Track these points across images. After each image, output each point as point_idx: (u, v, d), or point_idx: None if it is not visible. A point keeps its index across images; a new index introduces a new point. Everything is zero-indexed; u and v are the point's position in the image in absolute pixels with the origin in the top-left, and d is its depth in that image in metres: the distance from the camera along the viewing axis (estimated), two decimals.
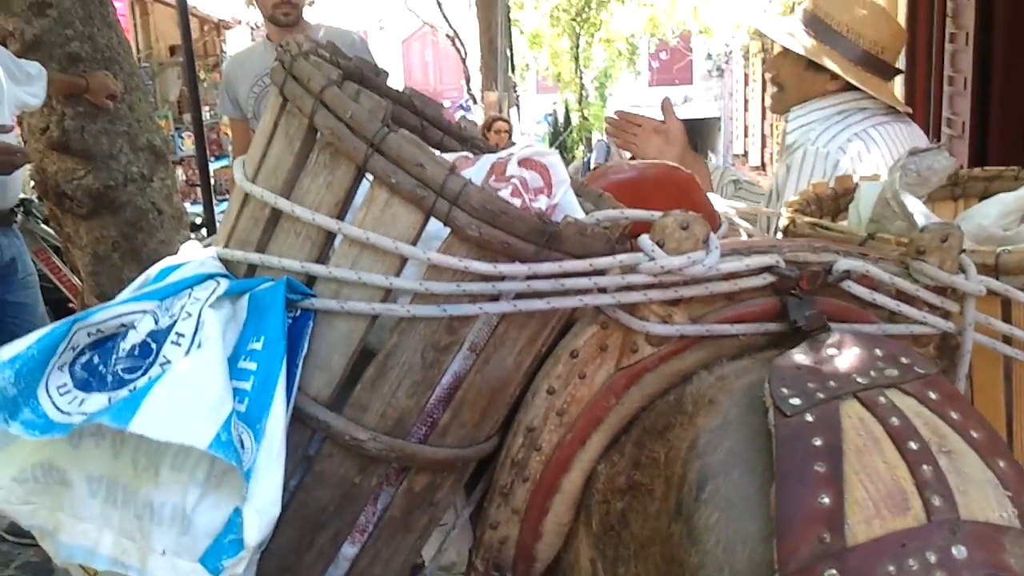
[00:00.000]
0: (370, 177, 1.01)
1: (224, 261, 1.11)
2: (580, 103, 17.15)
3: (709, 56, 18.77)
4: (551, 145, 16.43)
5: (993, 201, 1.40)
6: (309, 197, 1.04)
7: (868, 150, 1.93)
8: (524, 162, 1.19)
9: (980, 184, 1.60)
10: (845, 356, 1.00)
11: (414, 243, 1.00)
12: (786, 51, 2.07)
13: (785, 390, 0.94)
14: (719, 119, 21.05)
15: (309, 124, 1.04)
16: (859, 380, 0.95)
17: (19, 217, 3.41)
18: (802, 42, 2.00)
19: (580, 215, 1.22)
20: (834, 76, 1.99)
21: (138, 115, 3.93)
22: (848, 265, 1.07)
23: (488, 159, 1.23)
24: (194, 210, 6.54)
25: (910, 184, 1.30)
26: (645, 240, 1.04)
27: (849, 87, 2.00)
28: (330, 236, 1.04)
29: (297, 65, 1.05)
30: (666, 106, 2.22)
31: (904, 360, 0.99)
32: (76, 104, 3.68)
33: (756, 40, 14.57)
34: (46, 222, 4.15)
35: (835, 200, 1.53)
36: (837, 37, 1.97)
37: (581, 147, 17.11)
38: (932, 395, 0.94)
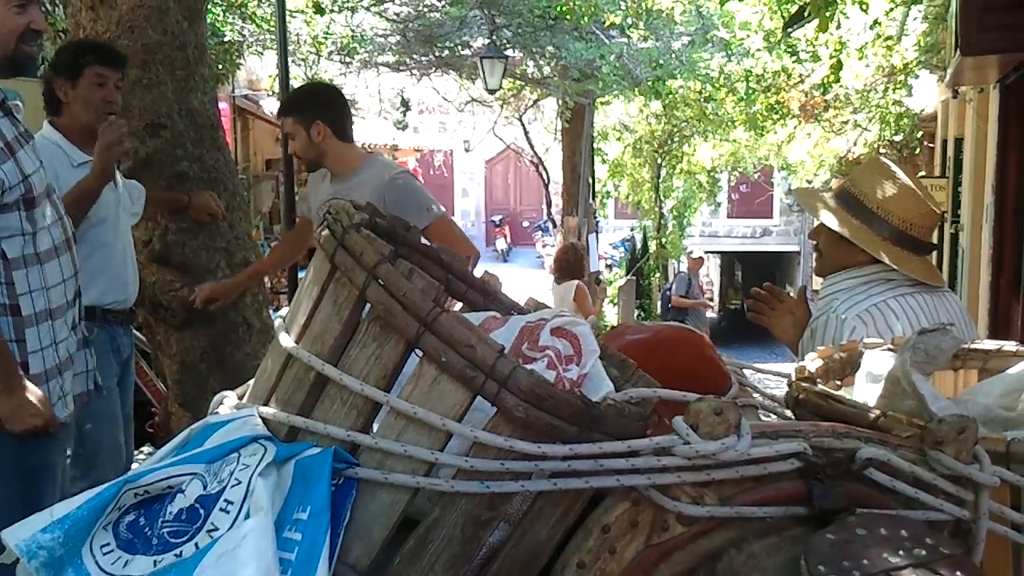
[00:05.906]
0: (419, 352, 1.05)
1: (264, 419, 1.13)
2: (658, 231, 17.27)
3: (790, 191, 18.87)
4: (628, 271, 16.56)
5: (995, 380, 1.45)
6: (357, 367, 1.07)
7: (885, 319, 2.03)
8: (556, 331, 1.25)
9: (979, 358, 1.65)
10: (874, 536, 1.05)
11: (460, 420, 1.03)
12: None
13: (822, 567, 1.00)
14: (799, 253, 20.96)
15: (360, 296, 1.07)
16: (890, 559, 1.01)
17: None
18: (836, 217, 2.12)
19: (608, 384, 1.26)
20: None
21: (237, 233, 4.06)
22: (871, 454, 1.12)
23: (518, 322, 1.28)
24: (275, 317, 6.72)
25: (918, 362, 1.34)
26: (680, 423, 1.08)
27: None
28: (376, 406, 1.07)
29: (349, 238, 1.08)
30: (801, 294, 2.38)
31: (929, 541, 1.04)
32: (180, 220, 3.82)
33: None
34: (139, 328, 4.26)
35: (842, 367, 1.59)
36: (869, 214, 2.09)
37: (658, 274, 17.17)
38: (960, 575, 1.00)
